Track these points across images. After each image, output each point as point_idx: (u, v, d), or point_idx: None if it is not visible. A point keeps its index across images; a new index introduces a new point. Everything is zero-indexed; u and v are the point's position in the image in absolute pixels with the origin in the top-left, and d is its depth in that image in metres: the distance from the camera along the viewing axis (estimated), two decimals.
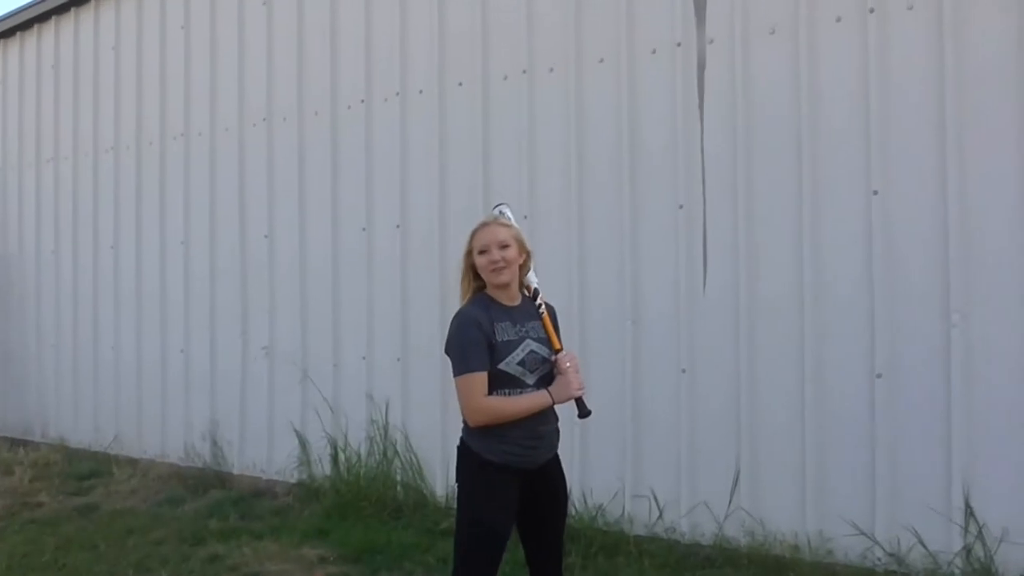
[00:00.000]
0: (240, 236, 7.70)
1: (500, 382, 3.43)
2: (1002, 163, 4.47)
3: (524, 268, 3.62)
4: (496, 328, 3.45)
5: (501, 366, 3.42)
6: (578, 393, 3.50)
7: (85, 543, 6.01)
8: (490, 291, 3.56)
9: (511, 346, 3.45)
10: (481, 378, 3.39)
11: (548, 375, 3.52)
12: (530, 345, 3.48)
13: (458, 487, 3.55)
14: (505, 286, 3.52)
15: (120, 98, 8.79)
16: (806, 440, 4.95)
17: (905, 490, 4.68)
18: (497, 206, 3.82)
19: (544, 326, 3.58)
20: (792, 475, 5.01)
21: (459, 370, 3.42)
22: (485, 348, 3.41)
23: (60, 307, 9.40)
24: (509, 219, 3.69)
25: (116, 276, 8.77)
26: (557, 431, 3.62)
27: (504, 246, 3.48)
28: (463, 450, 3.54)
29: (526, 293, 3.66)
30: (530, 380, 3.46)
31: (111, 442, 8.71)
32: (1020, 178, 4.42)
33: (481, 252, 3.49)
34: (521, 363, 3.44)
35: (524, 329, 3.51)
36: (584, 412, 3.57)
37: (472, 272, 3.58)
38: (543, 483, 3.57)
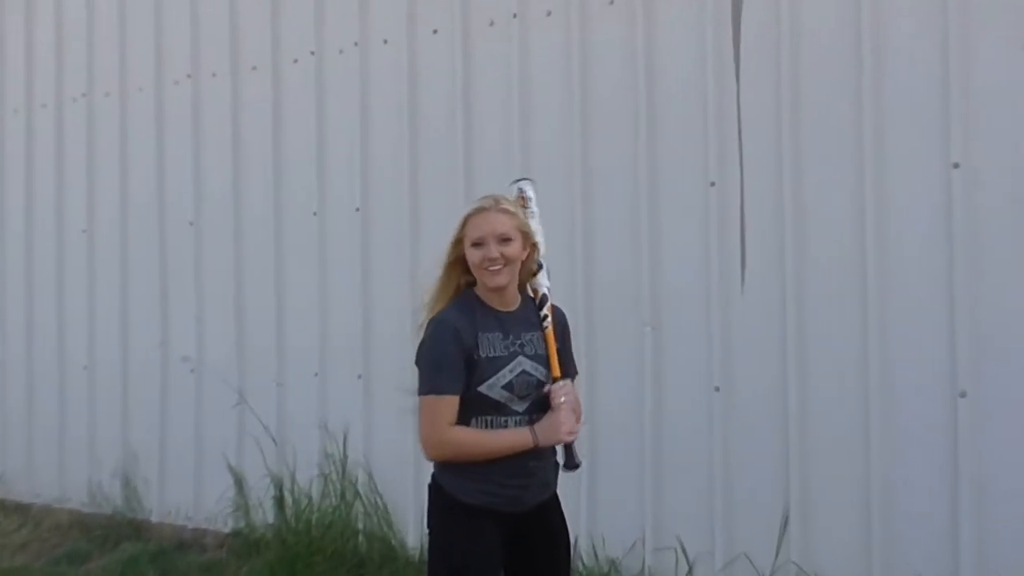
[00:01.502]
0: (159, 223, 7.67)
1: (480, 408, 3.40)
2: None
3: (529, 264, 3.56)
4: (481, 340, 3.41)
5: (482, 388, 3.39)
6: (569, 438, 3.45)
7: None
8: (480, 291, 3.49)
9: (498, 364, 3.41)
10: (449, 403, 3.36)
11: (543, 401, 3.47)
12: (522, 364, 3.44)
13: (429, 535, 3.54)
14: (501, 289, 3.45)
15: (5, 57, 8.75)
16: (871, 475, 4.94)
17: (995, 533, 4.66)
18: (517, 181, 3.76)
19: (546, 342, 3.52)
20: (855, 520, 5.00)
21: (424, 388, 3.40)
22: (462, 366, 3.37)
23: None
24: (530, 200, 3.64)
25: (1, 275, 8.72)
26: (556, 465, 3.59)
27: (505, 239, 3.38)
28: (434, 489, 3.51)
29: (530, 295, 3.61)
30: (518, 407, 3.43)
31: None
32: None
33: (475, 244, 3.39)
34: (508, 386, 3.40)
35: (518, 343, 3.46)
36: (571, 464, 3.53)
37: (460, 265, 3.50)
38: (539, 529, 3.55)
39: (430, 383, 3.38)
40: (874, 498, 4.94)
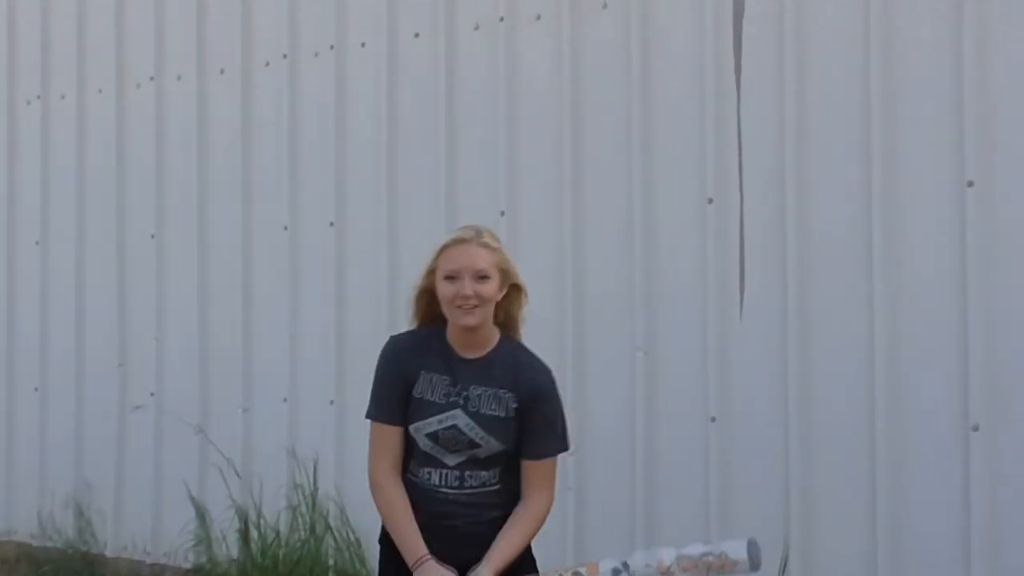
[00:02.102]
0: (117, 236, 7.65)
1: (411, 450, 3.41)
2: None
3: (512, 306, 3.48)
4: (421, 378, 3.37)
5: (410, 429, 3.37)
6: None
7: None
8: (449, 328, 3.40)
9: (428, 409, 3.35)
10: (386, 433, 3.39)
11: (479, 461, 3.38)
12: (456, 418, 3.33)
13: None
14: (470, 331, 3.34)
15: None
16: (877, 511, 4.95)
17: (1012, 560, 4.69)
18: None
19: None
20: (861, 551, 5.01)
21: (367, 411, 3.45)
22: (399, 394, 3.38)
23: None
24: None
25: None
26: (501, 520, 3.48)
27: (481, 277, 3.26)
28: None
29: (513, 344, 3.49)
30: (449, 460, 3.37)
31: None
32: None
33: (448, 278, 3.27)
34: (432, 436, 3.35)
35: (463, 395, 3.35)
36: None
37: (429, 296, 3.41)
38: None
39: (370, 407, 3.44)
40: (881, 537, 4.96)
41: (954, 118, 4.86)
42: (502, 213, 5.92)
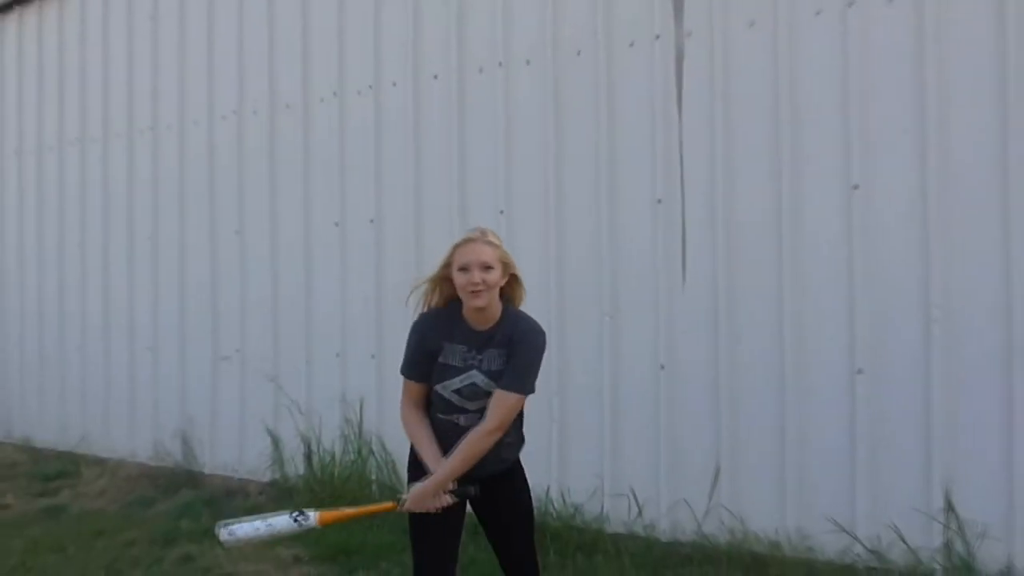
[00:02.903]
0: (210, 231, 7.63)
1: (438, 403, 3.44)
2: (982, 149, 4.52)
3: (513, 291, 3.48)
4: (445, 348, 3.40)
5: (438, 388, 3.42)
6: (431, 506, 3.37)
7: (53, 545, 5.92)
8: (465, 308, 3.40)
9: (451, 372, 3.39)
10: (411, 386, 3.46)
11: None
12: (472, 377, 3.38)
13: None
14: (480, 310, 3.34)
15: (86, 90, 8.66)
16: (786, 438, 4.97)
17: (886, 486, 4.71)
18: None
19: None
20: (773, 473, 5.02)
21: (401, 368, 3.51)
22: (424, 359, 3.42)
23: (24, 304, 9.26)
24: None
25: (83, 272, 8.65)
26: (511, 445, 3.55)
27: (487, 267, 3.28)
28: (412, 449, 3.57)
29: (511, 316, 3.46)
30: (470, 406, 3.41)
31: (78, 441, 8.59)
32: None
33: (461, 269, 3.29)
34: (457, 391, 3.39)
35: (477, 359, 3.38)
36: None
37: (445, 283, 3.41)
38: (502, 491, 3.53)
39: (402, 366, 3.48)
40: (788, 454, 4.97)
41: (842, 134, 4.85)
42: (501, 211, 5.91)
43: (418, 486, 3.36)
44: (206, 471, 7.56)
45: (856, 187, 4.79)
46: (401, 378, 3.53)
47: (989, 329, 4.47)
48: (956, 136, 4.56)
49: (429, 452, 3.40)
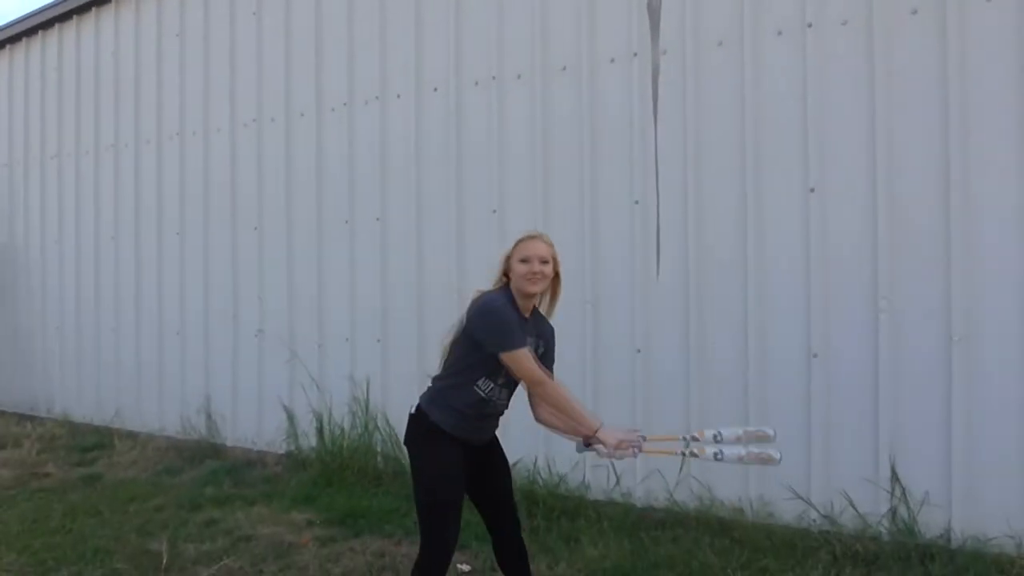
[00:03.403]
0: (231, 228, 7.59)
1: (493, 367, 3.36)
2: (927, 160, 4.52)
3: (556, 288, 3.54)
4: None
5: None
6: (616, 455, 3.36)
7: (90, 510, 5.90)
8: (516, 297, 3.43)
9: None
10: (527, 353, 3.32)
11: (516, 381, 3.43)
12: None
13: (411, 454, 3.48)
14: (531, 296, 3.42)
15: (120, 100, 8.60)
16: (749, 413, 4.96)
17: (838, 458, 4.73)
18: None
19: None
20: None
21: (508, 346, 3.29)
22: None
23: (63, 292, 9.21)
24: None
25: (116, 264, 8.60)
26: (498, 421, 3.59)
27: (544, 261, 3.40)
28: (419, 417, 3.44)
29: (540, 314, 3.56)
30: (502, 380, 3.40)
31: (112, 417, 8.57)
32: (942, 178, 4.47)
33: (523, 261, 3.39)
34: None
35: (530, 340, 3.42)
36: (582, 448, 3.44)
37: (503, 274, 3.47)
38: (486, 456, 3.55)
39: (515, 340, 3.30)
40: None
41: (801, 142, 4.84)
42: (494, 211, 5.89)
43: (617, 434, 3.34)
44: (228, 443, 7.53)
45: (812, 190, 4.79)
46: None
47: (930, 318, 4.48)
48: (903, 145, 4.56)
49: (578, 408, 3.39)
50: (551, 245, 3.48)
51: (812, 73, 4.82)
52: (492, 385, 3.40)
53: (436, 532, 3.37)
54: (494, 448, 3.61)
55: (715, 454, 3.38)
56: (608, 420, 5.33)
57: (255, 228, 7.39)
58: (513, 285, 3.44)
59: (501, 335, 3.30)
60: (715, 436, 3.41)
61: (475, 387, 3.39)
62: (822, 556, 4.43)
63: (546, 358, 3.55)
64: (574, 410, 3.37)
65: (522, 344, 3.31)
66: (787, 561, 4.41)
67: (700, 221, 5.18)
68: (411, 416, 3.48)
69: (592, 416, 3.39)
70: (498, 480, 3.61)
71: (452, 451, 3.39)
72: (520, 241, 3.46)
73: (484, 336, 3.32)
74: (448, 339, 3.49)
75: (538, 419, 3.53)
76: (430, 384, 3.53)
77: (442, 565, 3.40)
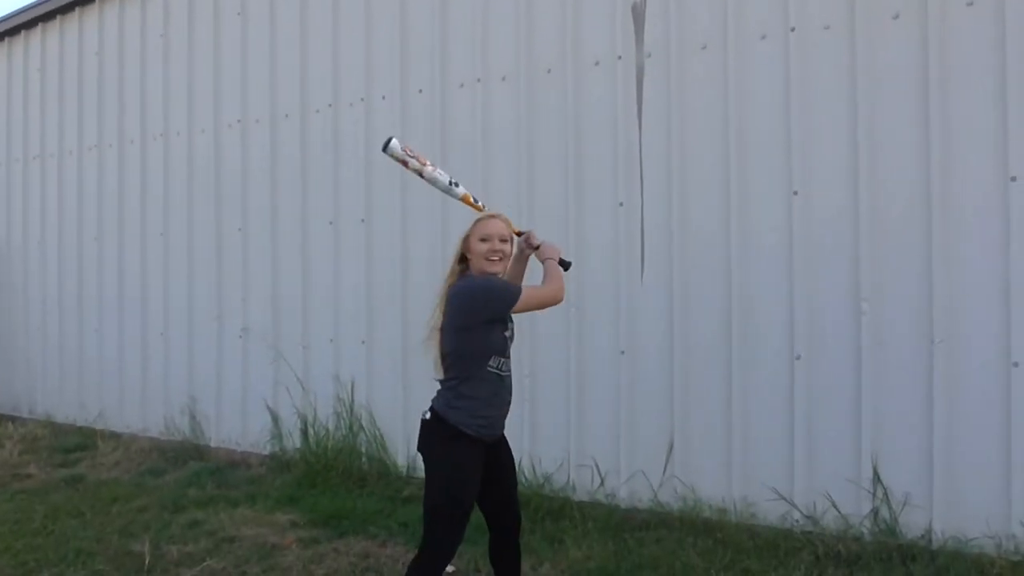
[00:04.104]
0: (216, 229, 7.54)
1: (500, 351, 3.40)
2: (909, 162, 4.54)
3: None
4: None
5: (506, 333, 3.45)
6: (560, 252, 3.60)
7: (72, 511, 5.85)
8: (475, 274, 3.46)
9: (508, 320, 3.49)
10: (526, 288, 3.47)
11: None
12: (510, 327, 3.51)
13: (428, 458, 3.43)
14: (493, 276, 3.44)
15: (103, 100, 8.53)
16: (733, 416, 4.99)
17: (821, 460, 4.75)
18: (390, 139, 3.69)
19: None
20: (721, 447, 5.05)
21: (512, 297, 3.38)
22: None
23: (46, 293, 9.12)
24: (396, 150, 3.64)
25: (99, 265, 8.53)
26: (509, 408, 3.57)
27: (504, 240, 3.44)
28: (436, 423, 3.40)
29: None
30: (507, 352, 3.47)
31: (95, 418, 8.49)
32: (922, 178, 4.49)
33: (482, 240, 3.42)
34: (511, 336, 3.50)
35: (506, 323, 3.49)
36: (567, 266, 3.66)
37: (460, 255, 3.49)
38: (495, 455, 3.52)
39: (512, 289, 3.41)
40: (735, 431, 4.99)
41: (784, 145, 4.86)
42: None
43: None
44: (212, 444, 7.48)
45: (796, 193, 4.80)
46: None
47: (911, 320, 4.50)
48: (885, 148, 4.59)
49: (553, 267, 3.56)
50: (508, 222, 3.53)
51: (795, 76, 4.83)
52: (501, 360, 3.42)
53: (443, 534, 3.36)
54: (503, 445, 3.57)
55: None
56: (592, 421, 5.46)
57: (239, 229, 7.35)
58: (473, 266, 3.46)
59: (501, 295, 3.37)
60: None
61: (488, 369, 3.38)
62: (804, 557, 4.44)
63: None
64: (560, 277, 3.55)
65: (518, 289, 3.43)
66: (770, 562, 4.42)
67: (684, 223, 5.18)
68: (425, 422, 3.43)
69: (555, 269, 3.56)
70: (505, 478, 3.59)
71: (472, 453, 3.38)
72: (478, 221, 3.49)
73: (491, 310, 3.36)
74: (434, 342, 3.48)
75: None
76: (440, 388, 3.47)
77: (441, 568, 3.40)
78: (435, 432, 3.41)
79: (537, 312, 5.51)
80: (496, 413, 3.45)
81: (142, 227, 8.13)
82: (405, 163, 3.67)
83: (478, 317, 3.35)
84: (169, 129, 7.92)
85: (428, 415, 3.43)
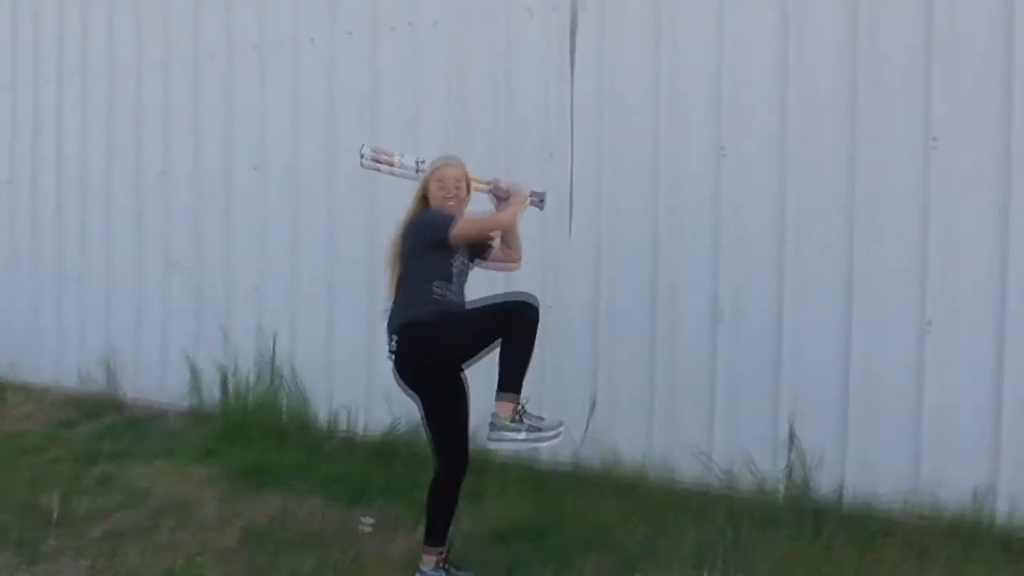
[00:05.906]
0: (136, 173, 7.42)
1: (449, 276, 3.75)
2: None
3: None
4: None
5: (454, 263, 3.78)
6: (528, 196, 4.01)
7: None
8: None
9: (460, 250, 3.81)
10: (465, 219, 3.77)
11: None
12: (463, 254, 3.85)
13: (414, 375, 3.79)
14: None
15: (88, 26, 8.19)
16: (655, 374, 5.10)
17: (741, 420, 4.88)
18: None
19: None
20: (642, 406, 5.16)
21: (449, 223, 3.67)
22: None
23: None
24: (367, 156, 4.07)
25: (12, 210, 8.35)
26: None
27: (458, 182, 3.85)
28: (405, 334, 3.72)
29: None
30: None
31: (6, 369, 8.31)
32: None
33: (439, 183, 3.83)
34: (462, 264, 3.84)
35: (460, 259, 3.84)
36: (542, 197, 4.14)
37: (422, 195, 3.87)
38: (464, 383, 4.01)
39: (450, 221, 3.69)
40: (657, 389, 5.12)
41: (714, 98, 4.95)
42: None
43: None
44: (129, 397, 7.40)
45: (722, 149, 4.89)
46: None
47: (831, 280, 4.64)
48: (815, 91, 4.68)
49: (510, 208, 3.95)
50: (462, 166, 3.92)
51: (728, 30, 4.89)
52: (446, 285, 3.75)
53: (453, 442, 3.83)
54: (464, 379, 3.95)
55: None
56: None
57: (160, 173, 7.25)
58: (432, 206, 3.85)
59: (442, 222, 3.69)
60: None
61: (434, 295, 3.72)
62: (719, 514, 4.58)
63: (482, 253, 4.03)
64: (512, 216, 3.93)
65: (456, 220, 3.70)
66: (685, 518, 4.54)
67: (614, 177, 5.24)
68: (396, 343, 3.74)
69: (511, 207, 3.92)
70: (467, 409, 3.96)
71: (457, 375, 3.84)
72: (436, 168, 3.89)
73: (429, 232, 3.71)
74: (392, 270, 3.84)
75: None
76: (390, 309, 3.81)
77: (461, 478, 3.84)
78: (409, 341, 3.73)
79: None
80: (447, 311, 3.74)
81: (58, 171, 7.97)
82: (378, 169, 4.09)
83: (423, 243, 3.70)
84: (87, 68, 7.75)
85: (393, 344, 3.75)
